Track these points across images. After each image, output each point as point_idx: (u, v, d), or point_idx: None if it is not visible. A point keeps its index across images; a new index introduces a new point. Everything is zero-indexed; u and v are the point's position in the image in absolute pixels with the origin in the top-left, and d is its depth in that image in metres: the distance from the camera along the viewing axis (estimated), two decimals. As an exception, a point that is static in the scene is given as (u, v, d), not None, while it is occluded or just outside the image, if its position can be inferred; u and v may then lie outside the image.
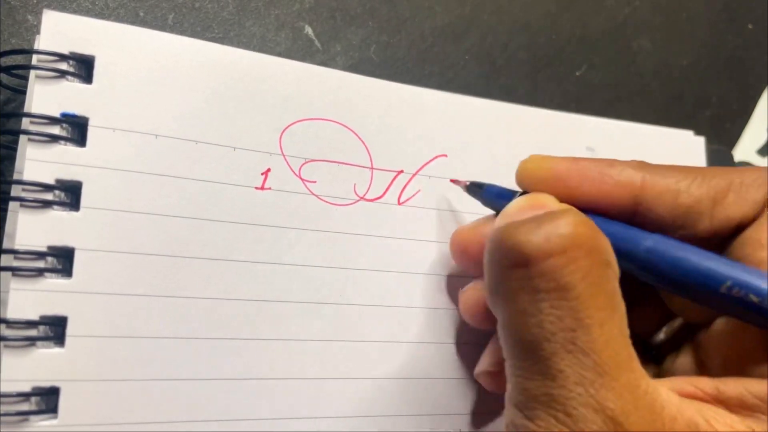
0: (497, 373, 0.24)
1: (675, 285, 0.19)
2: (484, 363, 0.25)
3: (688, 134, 0.34)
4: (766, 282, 0.17)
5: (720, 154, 0.36)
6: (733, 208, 0.20)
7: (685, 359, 0.22)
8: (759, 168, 0.21)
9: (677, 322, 0.24)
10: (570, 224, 0.18)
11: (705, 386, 0.18)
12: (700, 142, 0.34)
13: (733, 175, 0.21)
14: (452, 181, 0.27)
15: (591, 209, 0.21)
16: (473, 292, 0.25)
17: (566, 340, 0.17)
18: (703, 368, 0.21)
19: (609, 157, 0.22)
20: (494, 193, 0.25)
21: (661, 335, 0.25)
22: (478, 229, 0.25)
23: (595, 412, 0.16)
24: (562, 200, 0.21)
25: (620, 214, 0.21)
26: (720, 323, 0.21)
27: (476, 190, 0.26)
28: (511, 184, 0.24)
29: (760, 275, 0.18)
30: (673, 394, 0.18)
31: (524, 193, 0.23)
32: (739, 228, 0.20)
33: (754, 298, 0.17)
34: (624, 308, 0.18)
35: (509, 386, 0.18)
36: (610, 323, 0.17)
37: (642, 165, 0.21)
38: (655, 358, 0.24)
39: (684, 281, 0.19)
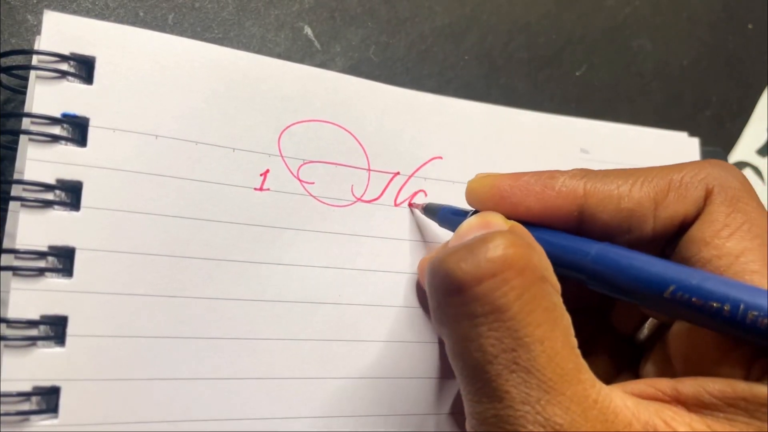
0: None
1: (624, 292, 0.19)
2: None
3: (682, 135, 0.34)
4: (707, 283, 0.17)
5: (715, 155, 0.36)
6: (675, 208, 0.20)
7: (656, 358, 0.22)
8: (697, 163, 0.21)
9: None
10: (500, 246, 0.18)
11: (664, 387, 0.18)
12: (694, 143, 0.34)
13: (672, 174, 0.20)
14: (410, 205, 0.28)
15: (538, 222, 0.21)
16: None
17: (508, 360, 0.17)
18: (671, 368, 0.21)
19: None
20: (450, 213, 0.25)
21: (645, 331, 0.25)
22: None
23: (544, 428, 0.16)
24: (509, 216, 0.21)
25: (567, 225, 0.21)
26: (679, 323, 0.21)
27: (432, 212, 0.26)
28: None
29: (703, 277, 0.17)
30: (630, 398, 0.18)
31: (476, 212, 0.23)
32: (684, 226, 0.20)
33: (696, 300, 0.17)
34: (568, 320, 0.18)
35: (465, 410, 0.19)
36: (551, 338, 0.17)
37: (584, 173, 0.21)
38: (637, 356, 0.24)
39: (631, 288, 0.18)
